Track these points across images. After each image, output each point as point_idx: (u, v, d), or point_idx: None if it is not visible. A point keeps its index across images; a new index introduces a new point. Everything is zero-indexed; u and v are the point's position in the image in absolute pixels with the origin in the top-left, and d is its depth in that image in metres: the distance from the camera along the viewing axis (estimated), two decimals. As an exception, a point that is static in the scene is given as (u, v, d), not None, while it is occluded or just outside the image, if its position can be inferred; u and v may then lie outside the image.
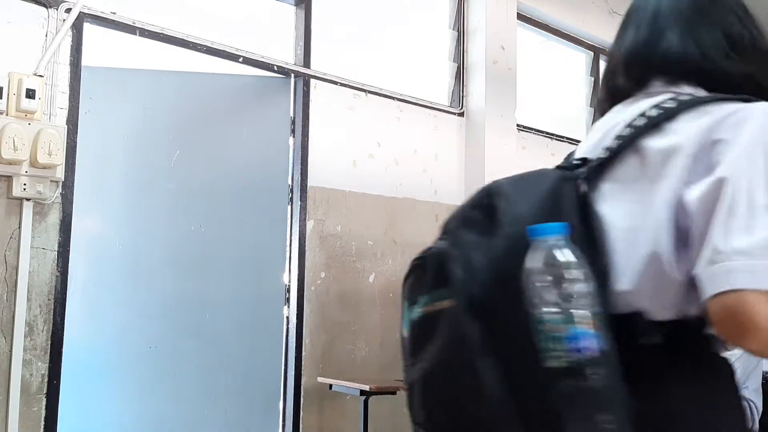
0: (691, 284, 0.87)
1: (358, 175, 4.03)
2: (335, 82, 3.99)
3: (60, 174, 2.91)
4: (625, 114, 1.05)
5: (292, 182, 3.83)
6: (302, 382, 3.68)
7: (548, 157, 5.12)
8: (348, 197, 3.98)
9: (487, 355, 0.87)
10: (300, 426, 3.66)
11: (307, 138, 3.84)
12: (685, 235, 0.89)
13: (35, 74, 2.89)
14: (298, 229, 3.76)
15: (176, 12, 3.59)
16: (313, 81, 3.91)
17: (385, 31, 4.42)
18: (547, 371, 0.80)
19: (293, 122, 3.87)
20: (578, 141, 5.54)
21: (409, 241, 4.23)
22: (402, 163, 4.25)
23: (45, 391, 2.87)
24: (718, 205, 0.85)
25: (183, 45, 3.48)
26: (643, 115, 1.00)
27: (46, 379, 2.88)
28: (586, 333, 0.79)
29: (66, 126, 2.98)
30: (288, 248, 3.78)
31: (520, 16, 4.95)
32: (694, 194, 0.88)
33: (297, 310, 3.61)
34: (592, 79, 5.68)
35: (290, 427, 3.64)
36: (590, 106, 5.64)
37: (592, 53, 5.69)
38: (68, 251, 2.98)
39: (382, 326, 4.06)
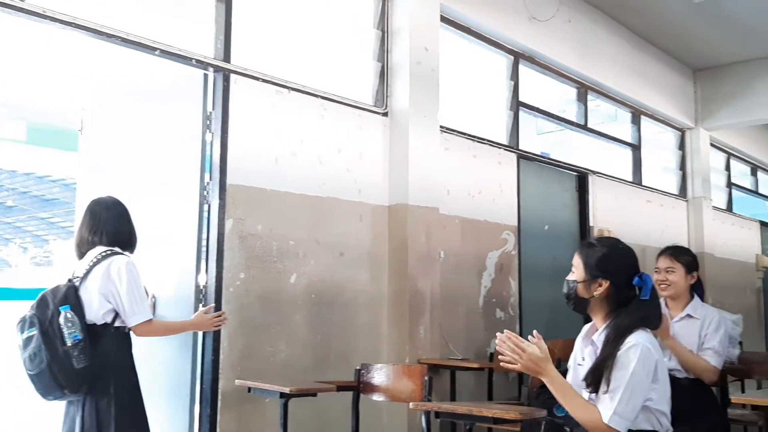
0: None
1: (280, 173, 3.95)
2: (256, 78, 3.91)
3: None
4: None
5: (210, 180, 3.72)
6: (219, 385, 3.58)
7: (470, 159, 5.19)
8: (270, 196, 3.90)
9: None
10: (217, 430, 3.56)
11: (227, 135, 3.73)
12: None
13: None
14: (216, 228, 3.65)
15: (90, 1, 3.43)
16: (233, 76, 3.81)
17: (309, 27, 4.36)
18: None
19: (209, 118, 3.76)
20: (499, 143, 5.65)
21: (333, 241, 4.19)
22: (325, 161, 4.20)
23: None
24: None
25: (97, 34, 3.33)
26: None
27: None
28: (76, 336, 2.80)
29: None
30: (204, 248, 3.67)
31: (443, 18, 4.99)
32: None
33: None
34: (513, 83, 5.79)
35: (207, 432, 3.53)
36: (510, 110, 5.74)
37: (513, 57, 5.80)
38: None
39: (304, 327, 4.00)
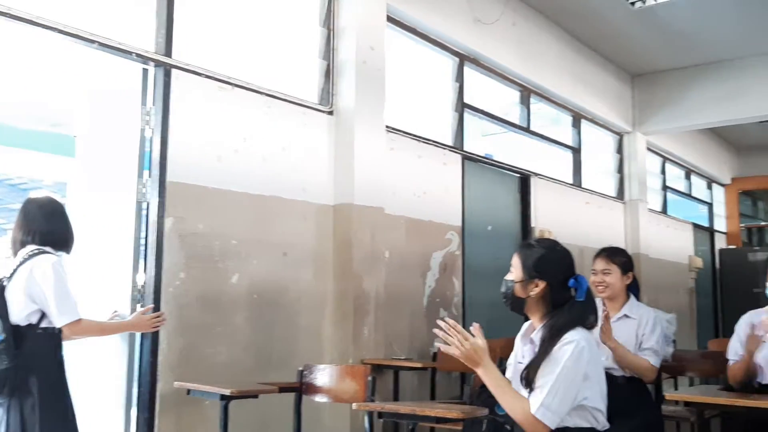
0: None
1: (222, 171, 3.88)
2: (199, 73, 3.83)
3: None
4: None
5: (150, 177, 3.62)
6: (157, 388, 3.49)
7: (415, 159, 5.21)
8: (211, 194, 3.82)
9: None
10: (155, 434, 3.47)
11: (167, 131, 3.65)
12: None
13: None
14: (155, 227, 3.56)
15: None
16: (174, 71, 3.72)
17: (254, 24, 4.30)
18: None
19: (148, 113, 3.66)
20: (444, 144, 5.69)
21: (276, 240, 4.13)
22: (270, 160, 4.15)
23: None
24: None
25: (33, 25, 3.20)
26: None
27: None
28: None
29: None
30: (143, 247, 3.58)
31: (390, 18, 4.99)
32: None
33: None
34: (458, 84, 5.83)
35: (144, 436, 3.44)
36: (455, 111, 5.79)
37: (458, 59, 5.85)
38: None
39: (246, 328, 3.94)
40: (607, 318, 3.37)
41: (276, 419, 3.80)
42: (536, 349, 2.37)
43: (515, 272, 2.46)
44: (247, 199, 3.99)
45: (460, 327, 2.30)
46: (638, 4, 6.36)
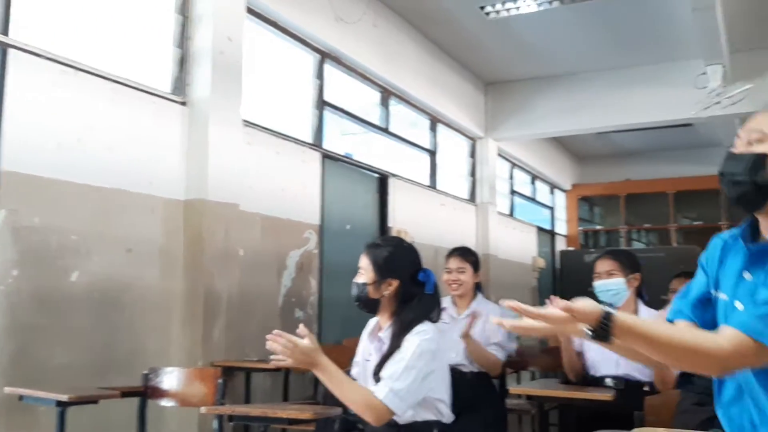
0: None
1: (62, 160, 3.61)
2: (38, 55, 3.53)
3: None
4: None
5: (-23, 164, 3.30)
6: (-18, 396, 3.18)
7: (273, 156, 5.12)
8: (48, 185, 3.54)
9: None
10: (-22, 447, 3.17)
11: (1, 115, 3.34)
12: None
13: None
14: (-18, 218, 3.24)
15: None
16: (11, 51, 3.41)
17: (104, 5, 4.03)
18: None
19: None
20: (304, 141, 5.65)
21: (120, 236, 3.90)
22: (116, 150, 3.91)
23: None
24: None
25: None
26: None
27: None
28: None
29: None
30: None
31: (250, 10, 4.88)
32: None
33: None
34: (318, 82, 5.81)
35: (-35, 450, 3.13)
36: (315, 109, 5.76)
37: (319, 56, 5.82)
38: None
39: (86, 329, 3.68)
40: (473, 317, 3.48)
41: (118, 426, 3.58)
42: (384, 348, 2.39)
43: (367, 274, 2.46)
44: (89, 191, 3.74)
45: (286, 334, 2.25)
46: (492, 15, 6.64)
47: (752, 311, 1.40)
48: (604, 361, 3.29)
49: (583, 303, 1.37)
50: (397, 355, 2.30)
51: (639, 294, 3.41)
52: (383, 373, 2.29)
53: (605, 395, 2.94)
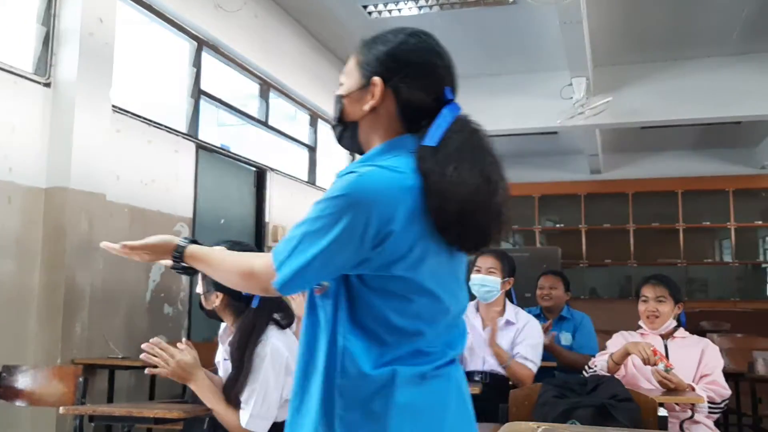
0: None
1: None
2: None
3: None
4: None
5: None
6: None
7: (144, 144, 4.90)
8: None
9: None
10: None
11: None
12: None
13: None
14: None
15: None
16: None
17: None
18: None
19: None
20: (177, 131, 5.46)
21: (-29, 224, 3.60)
22: (-33, 132, 3.60)
23: None
24: None
25: None
26: None
27: None
28: None
29: None
30: None
31: (123, -9, 4.64)
32: None
33: None
34: (195, 70, 5.63)
35: None
36: (191, 97, 5.58)
37: (196, 44, 5.64)
38: None
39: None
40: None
41: (-38, 430, 3.31)
42: (227, 356, 2.41)
43: (200, 283, 2.46)
44: (-65, 175, 3.42)
45: (164, 344, 2.25)
46: (375, 15, 6.71)
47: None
48: (472, 358, 3.43)
49: (156, 237, 1.55)
50: (250, 375, 2.29)
51: (508, 295, 3.58)
52: (242, 397, 2.29)
53: (473, 389, 3.04)
